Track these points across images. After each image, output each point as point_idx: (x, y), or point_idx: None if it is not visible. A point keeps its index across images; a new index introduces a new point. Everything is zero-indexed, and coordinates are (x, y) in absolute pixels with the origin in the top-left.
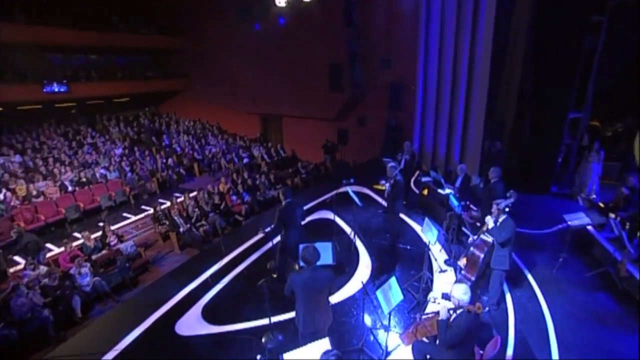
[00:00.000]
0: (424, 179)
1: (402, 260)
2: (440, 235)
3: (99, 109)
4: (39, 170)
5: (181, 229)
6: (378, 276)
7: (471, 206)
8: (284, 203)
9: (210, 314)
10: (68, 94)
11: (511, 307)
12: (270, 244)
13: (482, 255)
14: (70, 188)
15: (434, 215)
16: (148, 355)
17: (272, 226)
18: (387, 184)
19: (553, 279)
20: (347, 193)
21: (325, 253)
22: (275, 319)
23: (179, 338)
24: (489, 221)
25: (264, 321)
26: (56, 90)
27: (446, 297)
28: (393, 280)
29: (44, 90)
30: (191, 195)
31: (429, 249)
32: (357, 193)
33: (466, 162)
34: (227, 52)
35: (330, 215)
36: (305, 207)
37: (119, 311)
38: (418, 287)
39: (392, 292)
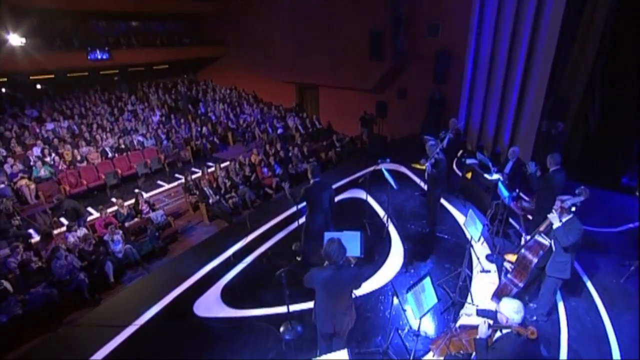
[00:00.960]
0: (468, 161)
1: (438, 251)
2: (484, 227)
3: (139, 77)
4: (84, 136)
5: (210, 201)
6: (410, 268)
7: (522, 195)
8: (311, 181)
9: (230, 296)
10: (110, 61)
11: (564, 319)
12: (296, 224)
13: (535, 260)
14: (110, 154)
15: (477, 202)
16: (165, 335)
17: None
18: (428, 164)
19: (619, 290)
20: (381, 172)
21: (353, 244)
22: (295, 307)
23: (197, 319)
24: (554, 219)
25: (284, 309)
26: (99, 57)
27: (483, 314)
28: (427, 282)
29: (89, 57)
30: (222, 165)
31: (471, 246)
32: (393, 173)
33: (518, 145)
34: (264, 18)
35: (362, 194)
36: (337, 185)
37: (143, 284)
38: (455, 284)
39: (425, 295)
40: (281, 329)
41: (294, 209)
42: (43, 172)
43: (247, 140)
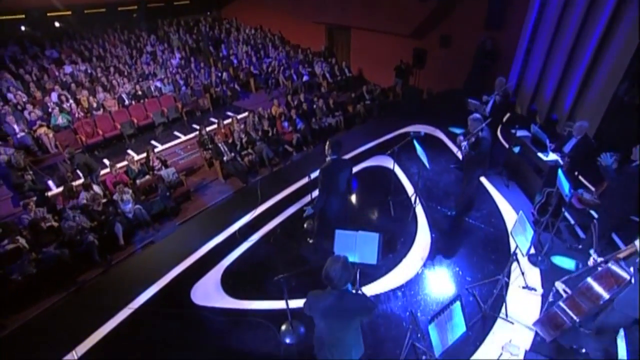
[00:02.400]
0: (519, 133)
1: (470, 244)
2: (530, 218)
3: (159, 12)
4: (101, 81)
5: (225, 158)
6: (432, 266)
7: (581, 178)
8: (328, 159)
9: (231, 282)
10: None
11: None
12: (309, 197)
13: (606, 296)
14: (126, 101)
15: (523, 183)
16: (159, 323)
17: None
18: (465, 142)
19: None
20: (413, 142)
21: (369, 247)
22: (299, 303)
23: (194, 307)
24: None
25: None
26: None
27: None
28: (457, 308)
29: None
30: (240, 116)
31: (516, 258)
32: (426, 144)
33: (583, 115)
34: None
35: (389, 162)
36: (362, 149)
37: (141, 259)
38: (487, 290)
39: (453, 324)
40: (282, 328)
41: (313, 175)
42: (61, 119)
43: (270, 87)
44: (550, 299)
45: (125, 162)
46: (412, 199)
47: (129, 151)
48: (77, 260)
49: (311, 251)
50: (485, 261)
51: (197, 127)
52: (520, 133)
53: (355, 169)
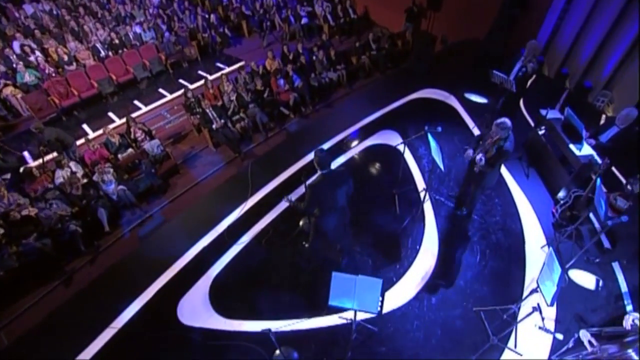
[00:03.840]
0: (550, 115)
1: (481, 252)
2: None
3: None
4: (70, 27)
5: (214, 126)
6: (435, 291)
7: (615, 172)
8: (318, 173)
9: (220, 296)
10: None
11: None
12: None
13: None
14: (102, 52)
15: (545, 172)
16: (144, 346)
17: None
18: (482, 155)
19: None
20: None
21: (370, 295)
22: (290, 324)
23: (181, 327)
24: None
25: (282, 323)
26: None
27: None
28: None
29: None
30: (231, 69)
31: (539, 310)
32: (438, 118)
33: (626, 90)
34: None
35: (396, 138)
36: (364, 122)
37: (123, 266)
38: (497, 315)
39: None
40: (276, 353)
41: (309, 159)
42: (28, 77)
43: (265, 31)
44: (570, 344)
45: (102, 132)
46: (422, 195)
47: (111, 114)
48: (61, 250)
49: (306, 258)
50: (497, 276)
51: (185, 83)
52: (552, 115)
53: (357, 148)
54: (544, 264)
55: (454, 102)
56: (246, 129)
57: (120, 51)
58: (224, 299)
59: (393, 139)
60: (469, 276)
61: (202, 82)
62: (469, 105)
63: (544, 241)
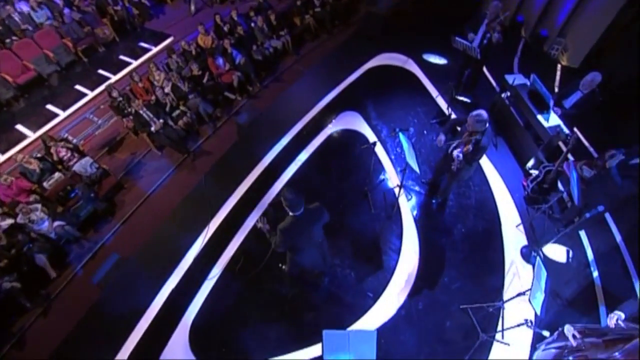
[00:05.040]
0: (517, 82)
1: (460, 244)
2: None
3: None
4: None
5: (152, 128)
6: (424, 286)
7: (578, 133)
8: (290, 215)
9: (202, 344)
10: None
11: None
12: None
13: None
14: None
15: (512, 141)
16: None
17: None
18: (459, 151)
19: None
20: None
21: (366, 346)
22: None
23: None
24: None
25: None
26: None
27: None
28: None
29: None
30: (159, 48)
31: (532, 324)
32: (397, 86)
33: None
34: None
35: (360, 123)
36: (322, 103)
37: (87, 328)
38: (485, 311)
39: None
40: None
41: (267, 162)
42: None
43: None
44: (553, 337)
45: (13, 152)
46: (396, 191)
47: (20, 127)
48: (2, 310)
49: (286, 284)
50: (478, 266)
51: (105, 73)
52: (519, 82)
53: (317, 140)
54: (533, 278)
55: (413, 66)
56: (190, 123)
57: (7, 41)
58: (207, 346)
59: (356, 122)
60: (452, 271)
61: (129, 69)
62: (429, 70)
63: (518, 219)
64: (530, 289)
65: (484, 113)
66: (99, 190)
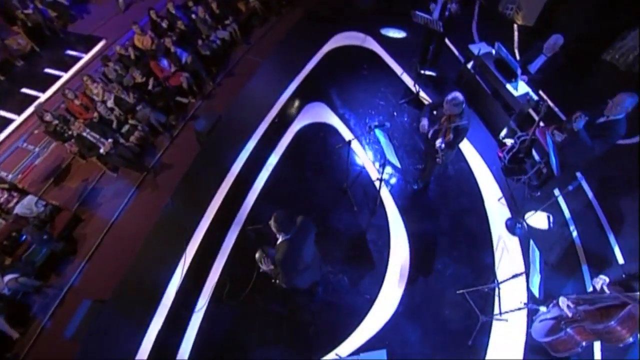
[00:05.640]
0: (483, 51)
1: (447, 229)
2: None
3: None
4: None
5: (102, 150)
6: (418, 277)
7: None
8: (282, 241)
9: None
10: None
11: None
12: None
13: (629, 339)
14: None
15: (481, 110)
16: None
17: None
18: (441, 141)
19: None
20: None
21: None
22: None
23: None
24: None
25: None
26: None
27: None
28: None
29: None
30: (89, 57)
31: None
32: (359, 65)
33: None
34: None
35: (327, 114)
36: (285, 96)
37: None
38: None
39: None
40: None
41: (235, 172)
42: None
43: None
44: (548, 309)
45: None
46: (377, 185)
47: None
48: None
49: (279, 301)
50: (467, 246)
51: (29, 92)
52: (485, 50)
53: (285, 139)
54: (529, 263)
55: (372, 44)
56: (143, 137)
57: None
58: None
59: (323, 114)
60: (443, 257)
61: (59, 84)
62: (389, 46)
63: (499, 192)
64: (526, 273)
65: (459, 95)
66: (52, 229)
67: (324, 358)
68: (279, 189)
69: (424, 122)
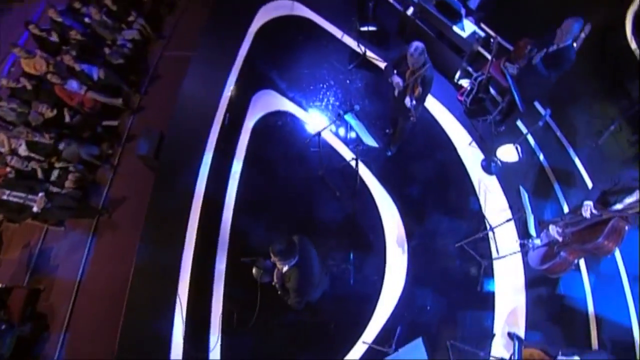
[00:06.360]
0: None
1: (432, 190)
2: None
3: None
4: None
5: (35, 208)
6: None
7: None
8: (288, 269)
9: None
10: None
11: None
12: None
13: (615, 249)
14: None
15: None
16: None
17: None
18: (411, 99)
19: None
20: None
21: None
22: None
23: None
24: None
25: None
26: None
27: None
28: None
29: None
30: None
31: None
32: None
33: None
34: None
35: (282, 102)
36: (225, 92)
37: None
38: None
39: None
40: None
41: (204, 183)
42: None
43: None
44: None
45: None
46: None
47: None
48: None
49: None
50: (454, 195)
51: None
52: None
53: (243, 141)
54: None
55: (302, 10)
56: (80, 178)
57: None
58: None
59: (274, 101)
60: (433, 216)
61: None
62: (321, 9)
63: (468, 136)
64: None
65: (419, 44)
66: (9, 314)
67: (354, 349)
68: (254, 197)
69: (396, 79)
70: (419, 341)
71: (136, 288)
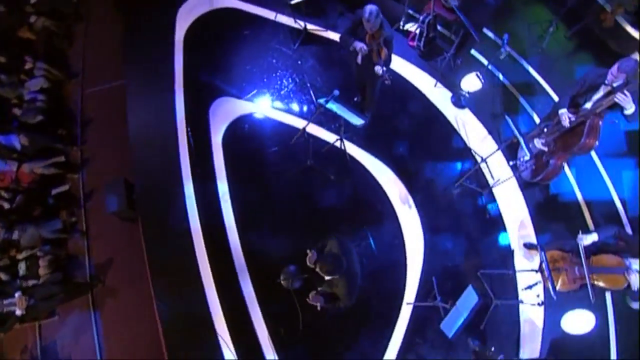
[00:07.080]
0: None
1: (418, 148)
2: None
3: None
4: None
5: (18, 312)
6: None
7: None
8: (334, 278)
9: None
10: None
11: None
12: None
13: (597, 144)
14: None
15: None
16: None
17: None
18: (381, 66)
19: None
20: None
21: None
22: None
23: None
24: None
25: None
26: None
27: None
28: None
29: None
30: None
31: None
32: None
33: None
34: None
35: (239, 105)
36: (178, 113)
37: None
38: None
39: None
40: None
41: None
42: None
43: None
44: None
45: None
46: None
47: None
48: None
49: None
50: (442, 146)
51: None
52: None
53: (218, 159)
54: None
55: (223, 1)
56: (53, 259)
57: None
58: None
59: (233, 107)
60: (427, 167)
61: None
62: None
63: (431, 79)
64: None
65: (372, 7)
66: None
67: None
68: (252, 210)
69: (359, 45)
70: (469, 289)
71: (174, 347)
